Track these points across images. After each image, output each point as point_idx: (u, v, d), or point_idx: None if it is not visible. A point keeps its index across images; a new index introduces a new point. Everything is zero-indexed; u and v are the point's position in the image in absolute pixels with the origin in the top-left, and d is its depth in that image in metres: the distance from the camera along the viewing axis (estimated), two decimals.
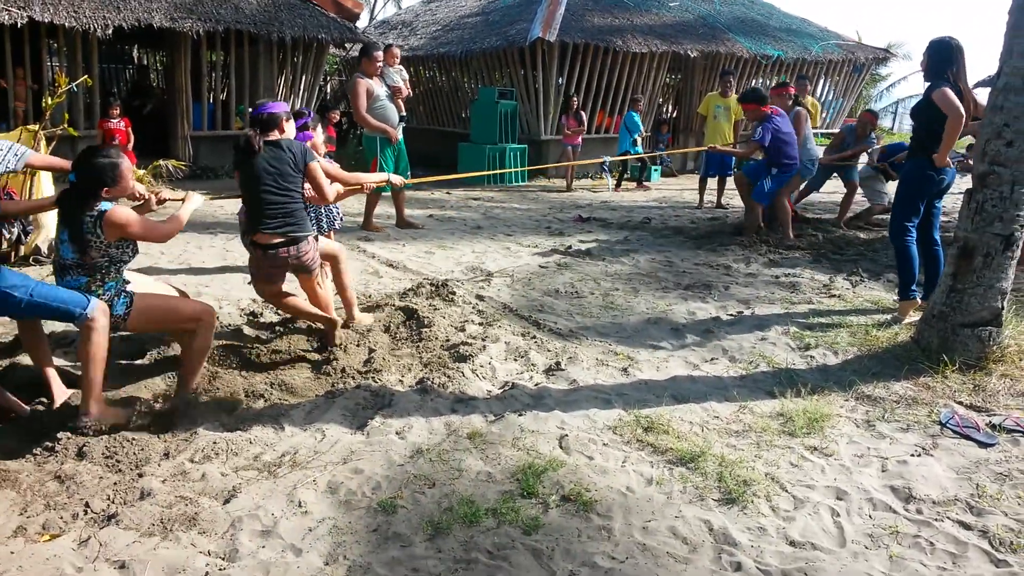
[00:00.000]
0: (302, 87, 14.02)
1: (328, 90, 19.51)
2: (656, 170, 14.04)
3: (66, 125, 6.26)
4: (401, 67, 8.01)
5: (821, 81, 17.03)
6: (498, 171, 12.50)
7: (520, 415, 3.51)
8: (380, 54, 7.56)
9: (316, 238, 4.17)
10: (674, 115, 16.98)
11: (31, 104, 11.52)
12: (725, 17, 16.29)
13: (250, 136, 3.89)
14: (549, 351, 4.37)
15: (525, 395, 3.75)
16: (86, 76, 6.54)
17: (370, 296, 5.42)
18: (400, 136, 7.74)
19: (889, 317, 5.00)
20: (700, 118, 11.23)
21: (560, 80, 13.75)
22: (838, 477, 3.05)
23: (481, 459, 3.14)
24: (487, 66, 15.10)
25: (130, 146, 10.02)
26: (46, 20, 10.82)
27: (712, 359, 4.30)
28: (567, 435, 3.35)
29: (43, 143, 5.99)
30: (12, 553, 2.50)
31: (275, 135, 3.96)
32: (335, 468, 3.05)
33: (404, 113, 7.87)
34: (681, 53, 14.47)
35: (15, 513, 2.73)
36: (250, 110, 11.81)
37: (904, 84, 32.69)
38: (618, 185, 12.06)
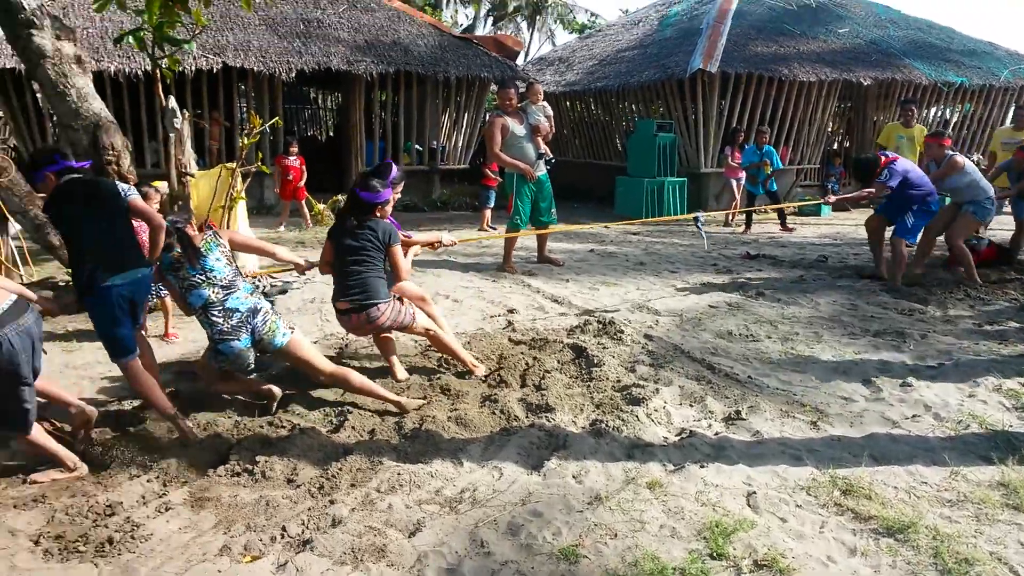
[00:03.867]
0: (464, 123, 14.51)
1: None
2: (827, 205, 13.30)
3: (259, 163, 6.73)
4: (545, 104, 7.79)
5: (1011, 111, 15.62)
6: (585, 227, 12.28)
7: (702, 466, 3.35)
8: (512, 91, 7.53)
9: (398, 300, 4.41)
10: (846, 146, 16.12)
11: (223, 142, 12.61)
12: (900, 42, 15.37)
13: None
14: (727, 398, 4.17)
15: (705, 445, 3.57)
16: (277, 118, 7.00)
17: (537, 331, 5.43)
18: (542, 173, 7.60)
19: None
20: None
21: (721, 111, 13.42)
22: None
23: (663, 511, 3.00)
24: (644, 98, 15.01)
25: (302, 182, 10.67)
26: (238, 65, 11.84)
27: (913, 416, 3.93)
28: (755, 492, 3.15)
29: (239, 179, 6.47)
30: (220, 572, 2.63)
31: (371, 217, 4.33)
32: (514, 509, 3.02)
33: (543, 150, 7.61)
34: (853, 81, 13.75)
35: (220, 532, 2.88)
36: (417, 147, 12.34)
37: None
38: (783, 224, 11.36)
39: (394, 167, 4.48)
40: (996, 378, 4.41)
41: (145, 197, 4.74)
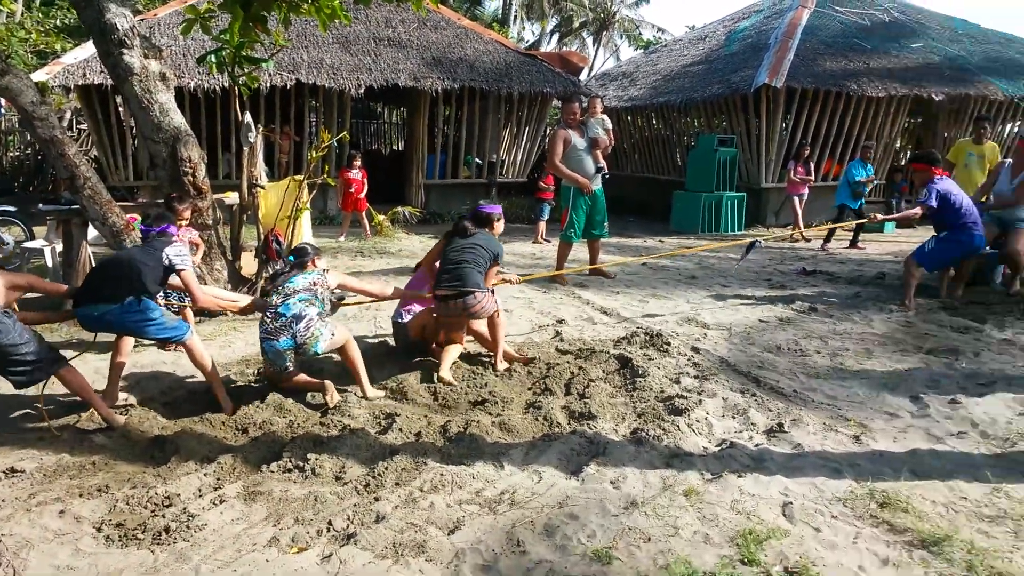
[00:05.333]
0: (525, 137, 14.71)
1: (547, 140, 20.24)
2: (890, 223, 13.02)
3: (325, 175, 7.02)
4: (604, 117, 7.92)
5: None
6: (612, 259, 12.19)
7: (740, 476, 3.39)
8: (577, 105, 7.67)
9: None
10: None
11: (292, 155, 13.09)
12: (977, 57, 14.95)
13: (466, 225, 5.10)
14: (770, 411, 4.19)
15: (744, 455, 3.61)
16: (344, 132, 7.30)
17: (584, 342, 5.52)
18: (598, 187, 7.73)
19: None
20: (948, 165, 10.27)
21: (785, 126, 13.28)
22: None
23: (698, 518, 3.06)
24: (707, 113, 14.95)
25: (363, 194, 11.02)
26: (310, 82, 12.30)
27: (960, 433, 3.88)
28: (791, 503, 3.18)
29: (305, 191, 6.77)
30: (267, 561, 2.80)
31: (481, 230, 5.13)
32: (551, 511, 3.12)
33: (602, 164, 7.74)
34: (923, 96, 13.44)
35: (269, 524, 3.06)
36: (477, 161, 12.61)
37: None
38: (854, 243, 11.06)
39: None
40: None
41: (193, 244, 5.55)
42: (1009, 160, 7.28)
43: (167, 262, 4.22)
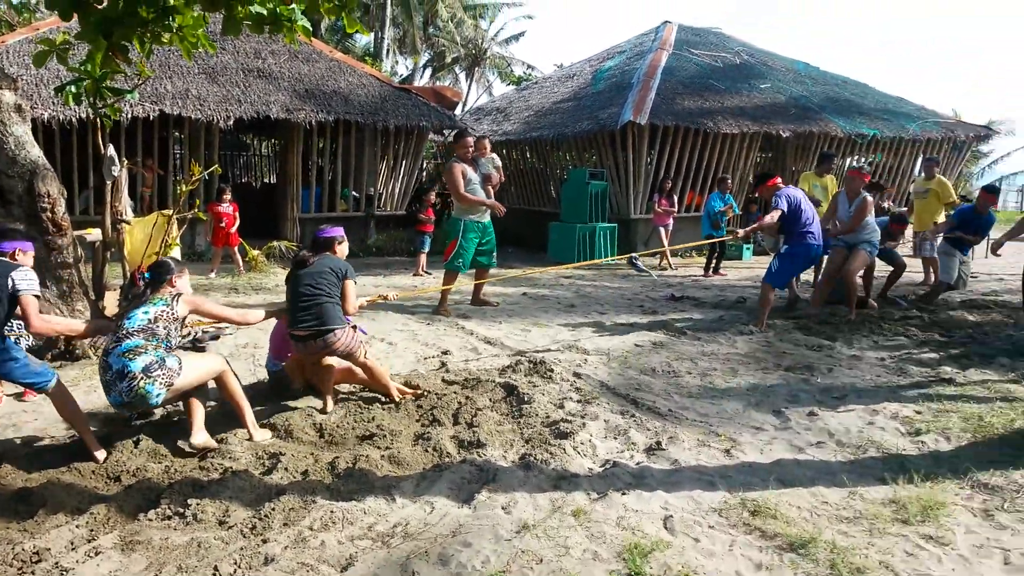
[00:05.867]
0: (402, 171, 14.75)
1: (424, 173, 20.35)
2: (748, 248, 13.94)
3: (196, 210, 6.80)
4: (494, 155, 8.27)
5: (918, 161, 16.71)
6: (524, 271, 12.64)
7: (623, 494, 3.54)
8: (471, 139, 7.92)
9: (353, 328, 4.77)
10: None
11: (156, 189, 12.54)
12: (818, 97, 16.33)
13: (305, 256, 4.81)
14: (649, 430, 4.40)
15: (627, 474, 3.78)
16: (216, 166, 7.10)
17: (470, 371, 5.60)
18: (488, 220, 7.98)
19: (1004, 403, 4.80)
20: None
21: (650, 161, 13.99)
22: (956, 568, 2.94)
23: (587, 537, 3.18)
24: (578, 148, 15.53)
25: (234, 228, 10.71)
26: (175, 113, 11.87)
27: (818, 443, 4.23)
28: (672, 516, 3.35)
29: (175, 226, 6.53)
30: None
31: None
32: (445, 540, 3.14)
33: (493, 199, 8.04)
34: (772, 133, 14.54)
35: (151, 574, 2.92)
36: (354, 194, 12.58)
37: (1008, 160, 31.61)
38: (709, 270, 11.78)
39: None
40: (894, 407, 4.76)
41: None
42: (842, 189, 7.98)
43: (11, 287, 3.85)
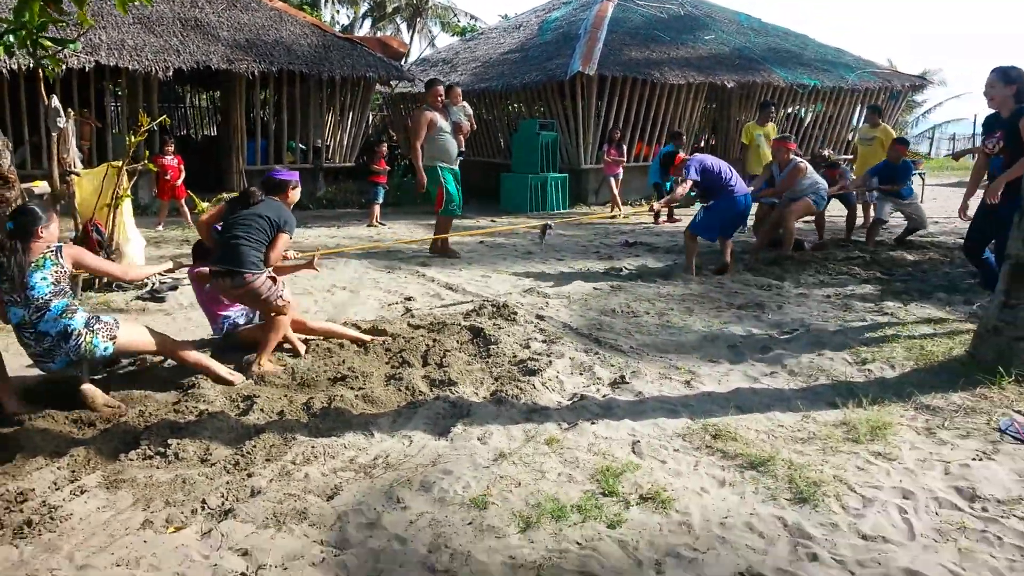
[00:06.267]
0: (349, 122, 14.53)
1: (370, 126, 20.06)
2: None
3: (146, 161, 6.65)
4: (465, 104, 8.48)
5: (856, 109, 17.18)
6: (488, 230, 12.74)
7: (592, 423, 3.72)
8: (441, 88, 7.97)
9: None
10: (712, 143, 17.21)
11: (94, 143, 12.13)
12: (760, 48, 16.57)
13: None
14: (612, 366, 4.57)
15: (595, 405, 3.95)
16: (165, 116, 6.93)
17: (435, 316, 5.69)
18: (457, 167, 8.16)
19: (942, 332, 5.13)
20: (741, 146, 11.47)
21: (599, 111, 14.07)
22: (903, 479, 3.19)
23: (560, 462, 3.34)
24: (527, 99, 15.51)
25: (180, 181, 10.48)
26: (111, 64, 11.44)
27: (772, 373, 4.47)
28: (639, 441, 3.54)
29: (125, 177, 6.38)
30: (145, 542, 2.74)
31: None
32: (425, 469, 3.27)
33: (463, 149, 8.28)
34: (718, 84, 14.75)
35: (139, 509, 2.98)
36: (301, 146, 12.35)
37: (940, 110, 32.66)
38: (657, 217, 12.02)
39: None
40: (841, 340, 5.04)
41: None
42: (774, 161, 8.20)
43: None
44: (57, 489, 3.13)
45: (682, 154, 7.50)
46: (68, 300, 3.92)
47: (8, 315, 3.92)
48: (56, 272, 3.88)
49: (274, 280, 4.54)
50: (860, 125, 17.11)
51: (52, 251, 3.90)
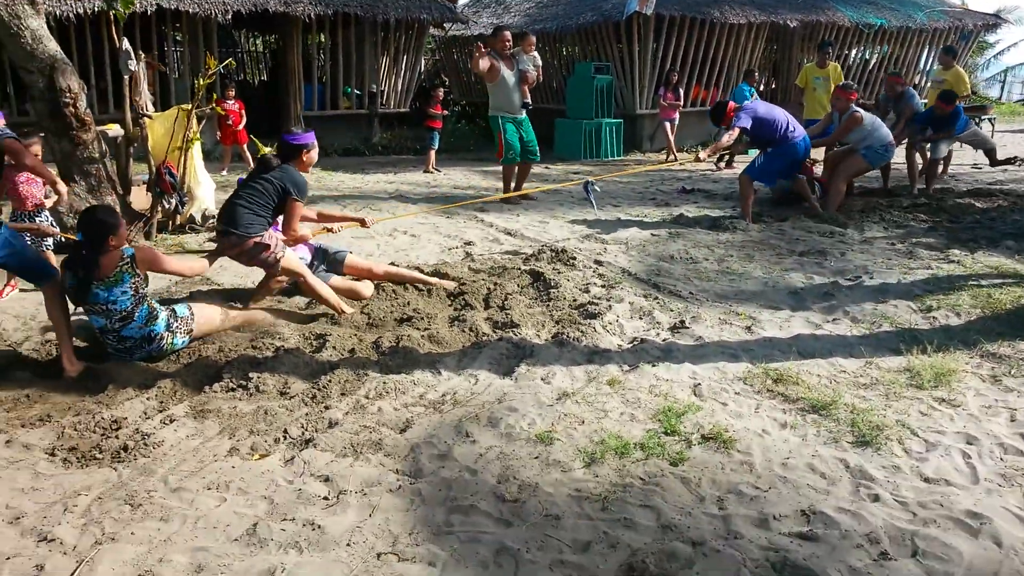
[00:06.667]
0: (403, 67, 14.50)
1: (423, 69, 19.96)
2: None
3: (214, 104, 6.80)
4: (536, 54, 8.32)
5: (925, 51, 16.48)
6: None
7: (653, 366, 3.79)
8: (508, 34, 7.97)
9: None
10: (772, 87, 16.73)
11: (158, 88, 12.36)
12: None
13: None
14: (672, 311, 4.62)
15: (655, 349, 4.02)
16: (231, 60, 7.05)
17: (495, 260, 5.78)
18: (524, 116, 8.18)
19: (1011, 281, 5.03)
20: (798, 90, 11.14)
21: (655, 53, 13.77)
22: (967, 425, 3.21)
23: (623, 402, 3.43)
24: (582, 41, 15.23)
25: (242, 126, 10.65)
26: (172, 8, 11.58)
27: (834, 319, 4.46)
28: (700, 384, 3.61)
29: (195, 120, 6.54)
30: (232, 467, 2.93)
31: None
32: (492, 406, 3.40)
33: (528, 99, 8.21)
34: (780, 23, 14.27)
35: (225, 437, 3.18)
36: (356, 92, 12.25)
37: (1014, 51, 31.00)
38: (721, 162, 11.82)
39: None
40: (905, 287, 4.98)
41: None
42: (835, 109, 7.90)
43: None
44: (148, 418, 3.34)
45: (733, 103, 7.29)
46: (149, 305, 3.99)
47: (88, 320, 4.01)
48: (135, 283, 3.89)
49: (268, 247, 4.46)
50: (930, 67, 16.45)
51: (127, 262, 3.85)
